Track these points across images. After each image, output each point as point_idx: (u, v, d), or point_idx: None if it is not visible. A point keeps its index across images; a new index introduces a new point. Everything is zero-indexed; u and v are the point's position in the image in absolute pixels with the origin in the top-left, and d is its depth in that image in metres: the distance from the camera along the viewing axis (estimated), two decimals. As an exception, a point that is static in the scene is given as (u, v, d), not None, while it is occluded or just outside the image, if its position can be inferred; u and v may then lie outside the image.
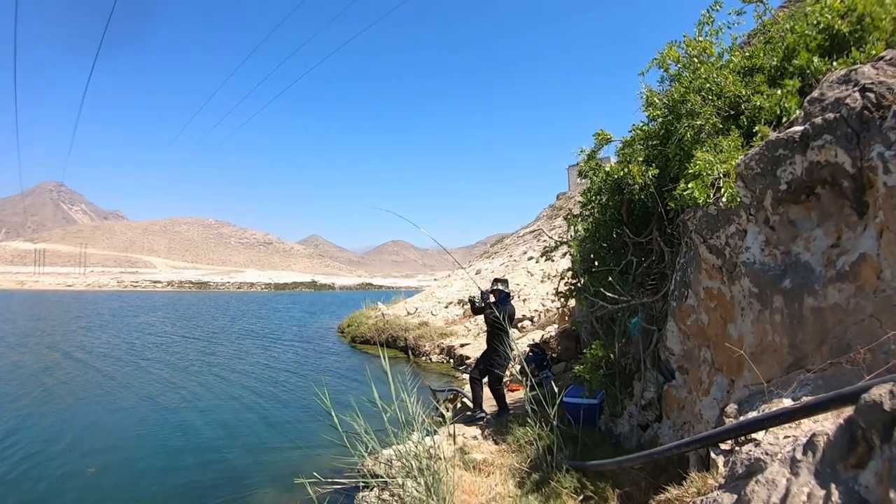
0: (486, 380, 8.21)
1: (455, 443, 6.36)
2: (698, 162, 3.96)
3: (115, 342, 23.28)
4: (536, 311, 17.91)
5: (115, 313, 43.75)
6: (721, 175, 3.84)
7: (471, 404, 8.16)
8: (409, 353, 17.71)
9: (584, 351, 6.07)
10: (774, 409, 2.75)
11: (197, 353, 20.23)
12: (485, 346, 8.26)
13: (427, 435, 4.84)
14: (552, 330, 13.20)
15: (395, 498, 4.80)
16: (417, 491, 4.43)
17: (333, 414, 4.32)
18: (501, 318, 7.57)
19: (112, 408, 11.40)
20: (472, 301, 8.36)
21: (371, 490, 5.40)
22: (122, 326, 31.26)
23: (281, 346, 22.70)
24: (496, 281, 8.28)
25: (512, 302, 8.48)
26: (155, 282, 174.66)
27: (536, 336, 13.79)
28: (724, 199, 3.72)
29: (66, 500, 6.87)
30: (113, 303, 62.94)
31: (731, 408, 3.28)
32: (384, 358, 4.70)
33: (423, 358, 17.38)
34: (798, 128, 3.45)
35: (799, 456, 2.02)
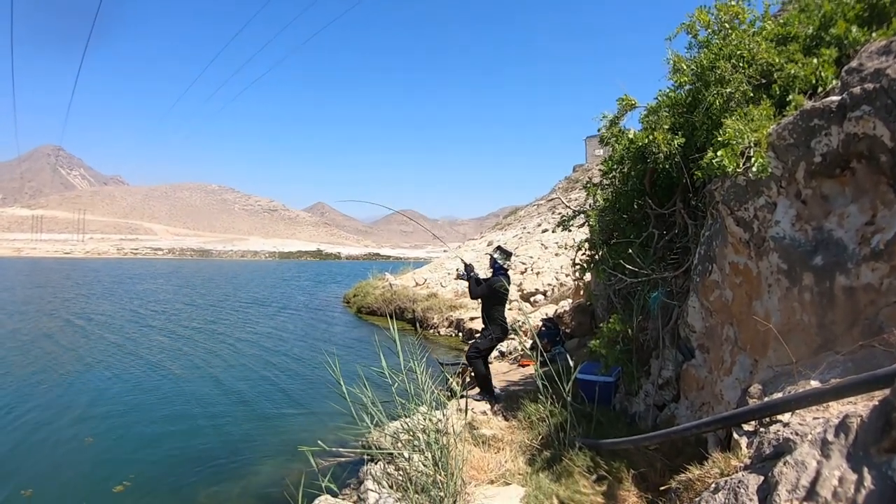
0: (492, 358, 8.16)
1: (466, 417, 6.41)
2: (728, 129, 3.90)
3: (119, 310, 23.70)
4: (550, 284, 17.90)
5: (117, 280, 44.36)
6: (752, 144, 3.78)
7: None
8: (417, 325, 17.77)
9: (601, 325, 6.05)
10: (801, 390, 2.74)
11: (202, 321, 20.59)
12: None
13: (436, 408, 4.86)
14: (566, 305, 13.21)
15: (401, 472, 4.83)
16: (424, 465, 4.46)
17: (342, 384, 4.34)
18: (486, 291, 7.59)
19: (115, 375, 11.60)
20: (459, 274, 8.19)
21: (376, 463, 5.45)
22: (124, 294, 31.71)
23: (286, 315, 22.93)
24: (497, 248, 8.16)
25: (517, 275, 8.32)
26: (156, 249, 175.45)
27: (549, 310, 13.81)
28: (754, 169, 3.67)
29: (64, 468, 6.98)
30: (114, 270, 63.56)
31: (755, 388, 3.27)
32: (393, 328, 4.71)
33: (432, 331, 17.44)
34: (835, 97, 3.39)
35: (830, 438, 2.02)
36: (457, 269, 8.45)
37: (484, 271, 8.19)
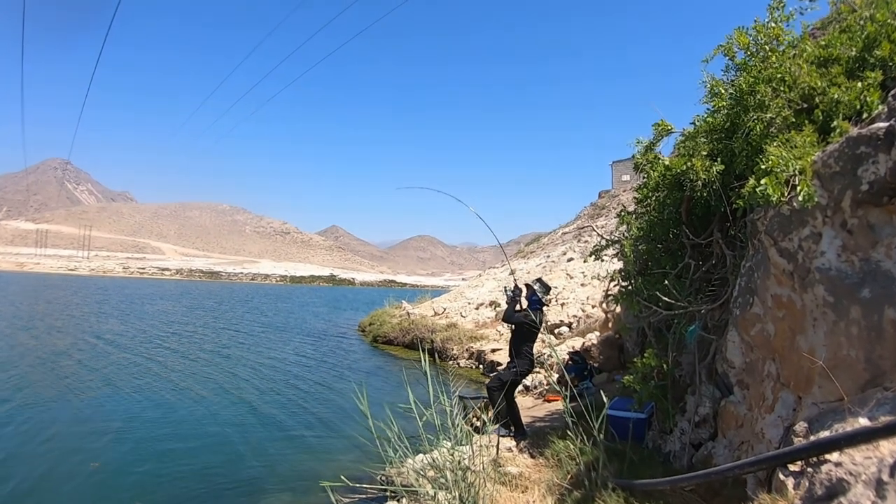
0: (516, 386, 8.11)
1: (498, 453, 6.39)
2: (771, 157, 3.92)
3: (131, 329, 24.55)
4: (576, 316, 17.80)
5: (126, 300, 45.53)
6: (796, 172, 3.80)
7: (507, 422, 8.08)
8: (436, 355, 17.74)
9: (635, 360, 6.03)
10: (849, 428, 2.75)
11: (216, 344, 21.09)
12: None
13: (461, 444, 4.87)
14: (593, 337, 13.15)
15: (424, 510, 4.82)
16: (450, 504, 4.47)
17: (370, 417, 4.38)
18: (522, 319, 7.58)
19: (128, 396, 11.83)
20: (505, 293, 8.17)
21: (398, 500, 5.45)
22: (135, 314, 32.53)
23: (300, 342, 23.14)
24: (538, 280, 8.18)
25: (544, 309, 8.28)
26: (163, 269, 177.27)
27: (576, 343, 13.74)
28: (800, 199, 3.68)
29: (74, 492, 7.05)
30: (122, 289, 64.40)
31: (801, 426, 3.28)
32: (424, 361, 4.74)
33: (451, 362, 17.38)
34: (882, 124, 3.42)
35: (885, 478, 2.04)
36: (505, 288, 8.44)
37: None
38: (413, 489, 4.79)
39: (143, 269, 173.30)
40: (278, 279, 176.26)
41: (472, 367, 16.73)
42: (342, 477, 4.34)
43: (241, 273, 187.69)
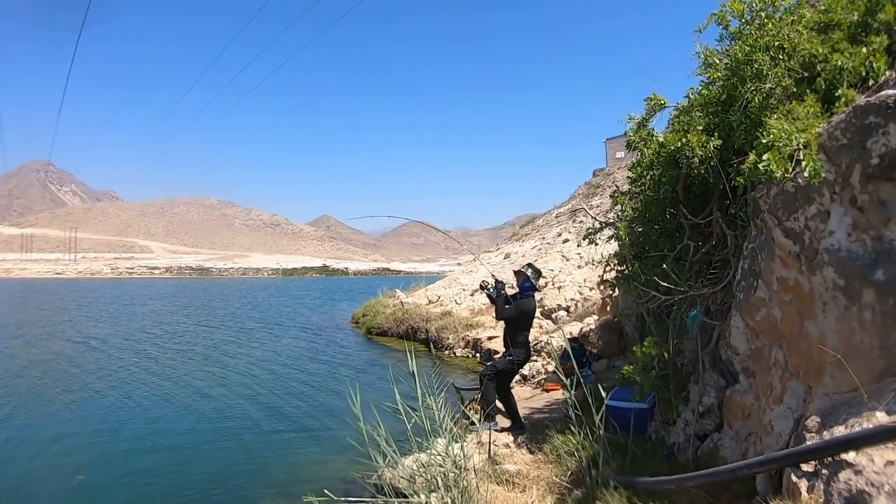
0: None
1: (490, 451, 6.23)
2: (773, 130, 3.74)
3: (124, 331, 24.66)
4: (573, 300, 17.67)
5: (116, 301, 45.89)
6: (800, 146, 3.62)
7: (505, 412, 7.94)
8: (431, 346, 17.60)
9: (634, 349, 5.86)
10: (866, 424, 2.58)
11: (208, 344, 21.02)
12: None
13: (454, 442, 4.70)
14: (591, 322, 13.01)
15: (417, 517, 4.67)
16: (443, 509, 4.31)
17: (361, 419, 4.23)
18: (515, 312, 7.43)
19: (112, 402, 11.66)
20: (486, 292, 8.02)
21: (389, 507, 5.28)
22: (127, 316, 32.66)
23: (290, 338, 22.92)
24: (529, 266, 8.00)
25: (538, 294, 8.13)
26: (152, 268, 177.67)
27: (574, 329, 13.60)
28: (805, 174, 3.49)
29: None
30: (113, 291, 64.55)
31: (813, 421, 3.10)
32: (410, 356, 4.57)
33: (447, 352, 17.22)
34: (891, 91, 3.26)
35: (915, 490, 1.86)
36: (482, 282, 8.25)
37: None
38: (404, 497, 4.63)
39: (132, 268, 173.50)
40: (270, 272, 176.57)
41: (468, 357, 16.52)
42: (325, 491, 4.17)
43: (232, 268, 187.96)
